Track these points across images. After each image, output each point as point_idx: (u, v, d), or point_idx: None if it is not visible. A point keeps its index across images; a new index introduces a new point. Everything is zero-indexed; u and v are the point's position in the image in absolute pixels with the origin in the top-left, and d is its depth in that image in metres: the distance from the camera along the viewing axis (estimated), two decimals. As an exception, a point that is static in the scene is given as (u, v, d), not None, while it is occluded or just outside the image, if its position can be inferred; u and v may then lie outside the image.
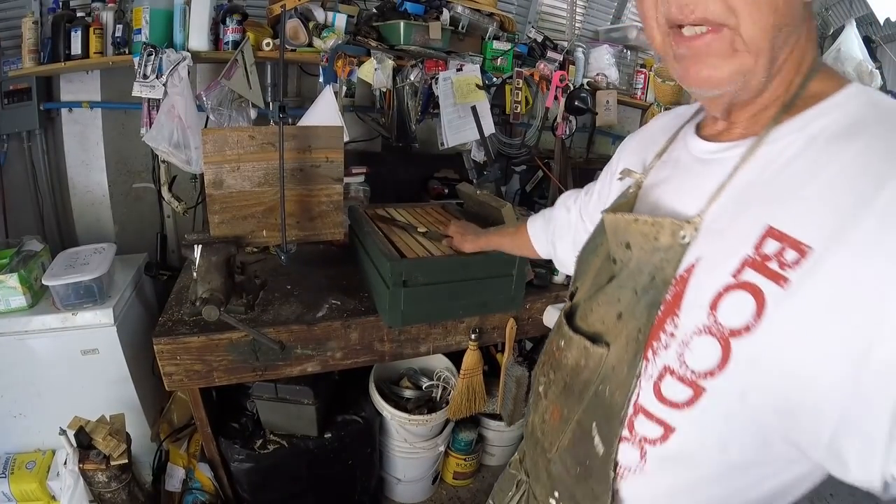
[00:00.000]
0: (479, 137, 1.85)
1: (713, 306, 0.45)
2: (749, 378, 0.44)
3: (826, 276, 0.39)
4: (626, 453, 0.54)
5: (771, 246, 0.43)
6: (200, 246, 1.14)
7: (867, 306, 0.37)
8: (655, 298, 0.50)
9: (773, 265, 0.42)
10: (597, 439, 0.56)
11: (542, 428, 0.67)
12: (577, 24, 2.55)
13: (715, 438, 0.48)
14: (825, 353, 0.39)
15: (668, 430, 0.50)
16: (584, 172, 2.23)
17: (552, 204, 0.98)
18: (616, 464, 0.55)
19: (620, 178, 0.67)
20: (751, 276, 0.43)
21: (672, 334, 0.48)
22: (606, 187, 0.77)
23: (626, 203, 0.62)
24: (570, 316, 0.63)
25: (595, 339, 0.57)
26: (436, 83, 1.86)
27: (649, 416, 0.51)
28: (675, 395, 0.48)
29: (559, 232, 0.93)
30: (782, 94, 0.48)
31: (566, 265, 0.92)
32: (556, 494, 0.65)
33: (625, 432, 0.53)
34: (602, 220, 0.61)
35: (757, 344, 0.42)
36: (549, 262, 1.02)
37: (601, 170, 0.82)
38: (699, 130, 0.58)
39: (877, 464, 0.39)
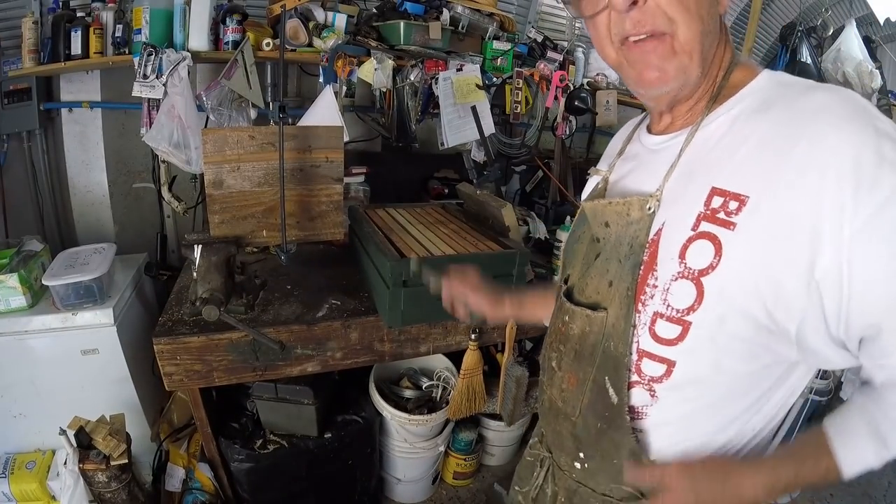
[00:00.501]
0: (479, 137, 1.85)
1: (682, 256, 0.57)
2: (722, 305, 0.55)
3: (764, 215, 0.51)
4: (638, 395, 0.63)
5: (717, 201, 0.55)
6: (200, 246, 1.14)
7: (802, 234, 0.49)
8: (636, 261, 0.61)
9: (721, 215, 0.54)
10: (611, 391, 0.65)
11: (562, 397, 0.73)
12: (577, 24, 2.54)
13: (709, 361, 0.58)
14: (777, 272, 0.51)
15: (670, 365, 0.60)
16: (584, 172, 2.21)
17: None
18: (631, 408, 0.64)
19: (589, 176, 0.82)
20: (706, 226, 0.55)
21: (654, 285, 0.59)
22: None
23: (598, 194, 0.75)
24: (568, 295, 0.73)
25: (594, 307, 0.67)
26: (436, 83, 1.86)
27: (651, 356, 0.61)
28: (667, 333, 0.59)
29: None
30: (710, 88, 0.61)
31: None
32: (581, 455, 0.72)
33: (634, 377, 0.63)
34: (582, 212, 0.73)
35: (722, 277, 0.54)
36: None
37: None
38: (649, 129, 0.71)
39: (838, 355, 0.54)
